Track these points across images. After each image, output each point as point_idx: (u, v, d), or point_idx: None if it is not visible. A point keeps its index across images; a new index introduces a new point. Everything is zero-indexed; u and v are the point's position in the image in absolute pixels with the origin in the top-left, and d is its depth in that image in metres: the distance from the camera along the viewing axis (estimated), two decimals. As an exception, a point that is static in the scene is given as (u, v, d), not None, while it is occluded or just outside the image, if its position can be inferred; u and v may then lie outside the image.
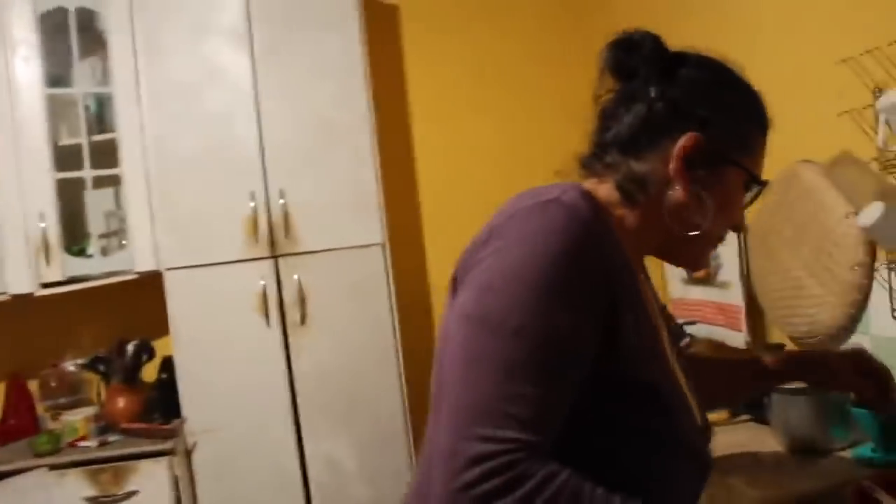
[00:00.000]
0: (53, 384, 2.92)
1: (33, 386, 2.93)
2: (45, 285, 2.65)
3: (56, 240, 2.63)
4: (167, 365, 2.84)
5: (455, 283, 0.91)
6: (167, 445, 2.61)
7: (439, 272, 3.21)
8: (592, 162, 0.98)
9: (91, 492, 2.56)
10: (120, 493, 2.56)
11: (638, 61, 0.95)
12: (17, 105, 2.63)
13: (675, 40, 0.99)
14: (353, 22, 2.70)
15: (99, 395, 2.91)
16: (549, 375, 0.78)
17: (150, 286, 2.81)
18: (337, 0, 2.71)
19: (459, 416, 0.76)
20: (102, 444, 2.66)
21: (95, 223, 2.80)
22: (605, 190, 0.95)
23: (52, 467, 2.58)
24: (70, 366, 2.92)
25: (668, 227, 0.94)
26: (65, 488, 2.56)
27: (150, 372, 2.86)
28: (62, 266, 2.65)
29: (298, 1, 2.70)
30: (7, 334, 2.99)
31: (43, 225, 2.61)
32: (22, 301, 2.68)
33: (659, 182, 0.93)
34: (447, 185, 3.24)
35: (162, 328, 2.88)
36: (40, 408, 2.92)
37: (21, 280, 2.63)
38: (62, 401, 2.91)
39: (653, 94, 0.93)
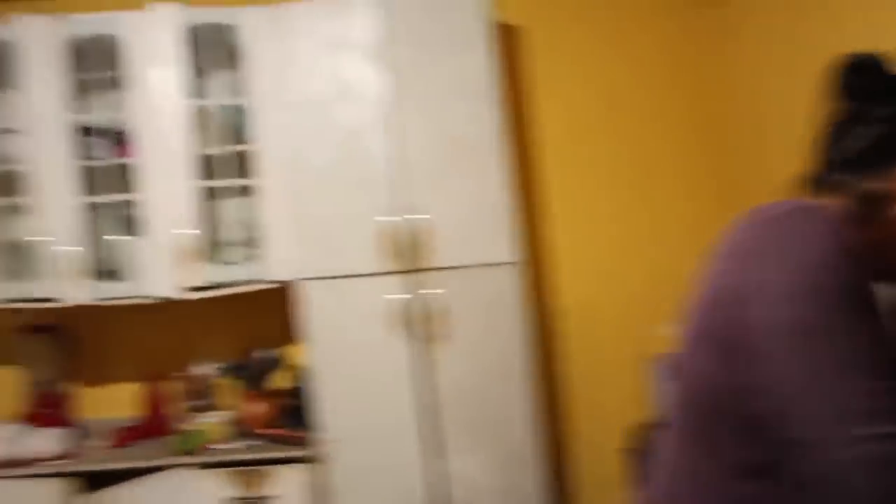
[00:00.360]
0: (187, 387, 3.02)
1: (168, 388, 3.04)
2: (185, 290, 2.74)
3: (196, 247, 2.71)
4: (296, 374, 2.91)
5: (706, 307, 0.95)
6: (301, 452, 2.68)
7: (568, 293, 3.19)
8: (822, 180, 1.01)
9: (230, 492, 2.65)
10: (257, 495, 2.64)
11: (868, 82, 0.97)
12: (161, 116, 2.73)
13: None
14: (485, 42, 2.70)
15: (231, 400, 3.00)
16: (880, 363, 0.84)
17: (278, 296, 2.88)
18: (469, 21, 2.70)
19: (824, 425, 0.81)
20: (240, 448, 2.75)
21: (232, 232, 2.87)
22: (835, 208, 0.97)
23: (193, 466, 2.68)
24: (203, 370, 3.02)
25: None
26: (207, 487, 2.65)
27: (280, 380, 2.93)
28: (201, 272, 2.73)
29: (432, 20, 2.71)
30: (146, 337, 3.11)
31: (184, 232, 2.70)
32: (161, 305, 2.78)
33: (891, 202, 0.94)
34: (576, 205, 3.21)
35: (291, 337, 2.96)
36: (174, 410, 3.03)
37: (162, 284, 2.73)
38: (194, 404, 3.01)
39: (885, 114, 0.95)
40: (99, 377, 3.16)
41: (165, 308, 2.86)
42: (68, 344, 3.11)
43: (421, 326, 2.70)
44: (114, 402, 3.13)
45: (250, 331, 3.04)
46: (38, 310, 2.94)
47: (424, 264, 2.70)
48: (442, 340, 2.69)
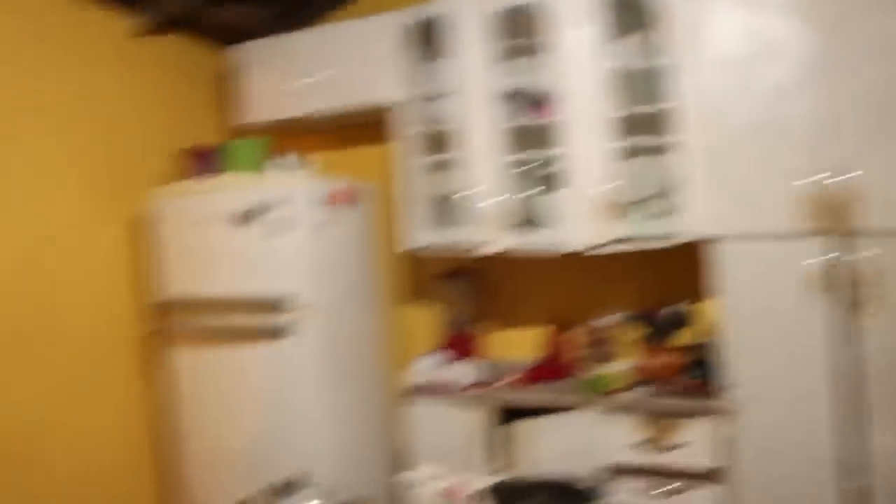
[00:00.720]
0: (589, 336, 3.20)
1: (571, 335, 3.25)
2: (600, 243, 2.90)
3: (612, 202, 2.85)
4: (703, 330, 2.94)
5: None
6: (706, 406, 2.73)
7: None
8: None
9: (637, 438, 2.78)
10: (665, 443, 2.74)
11: None
12: (579, 78, 2.89)
13: None
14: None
15: (633, 351, 3.13)
16: None
17: (690, 253, 2.92)
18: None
19: None
20: (644, 397, 2.86)
21: (647, 189, 2.96)
22: None
23: (599, 409, 2.85)
24: (606, 321, 3.17)
25: None
26: (614, 430, 2.81)
27: (686, 335, 2.99)
28: (617, 227, 2.86)
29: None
30: (553, 286, 3.34)
31: (601, 188, 2.84)
32: (570, 257, 2.97)
33: None
34: None
35: (699, 294, 3.00)
36: (574, 356, 3.23)
37: (579, 237, 2.91)
38: (595, 352, 3.18)
39: None
40: (506, 320, 3.46)
41: (574, 259, 3.05)
42: (481, 289, 3.44)
43: (845, 291, 2.59)
44: (518, 345, 3.42)
45: (657, 285, 3.12)
46: (457, 257, 3.29)
47: (851, 227, 2.57)
48: (871, 307, 2.56)
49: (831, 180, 2.58)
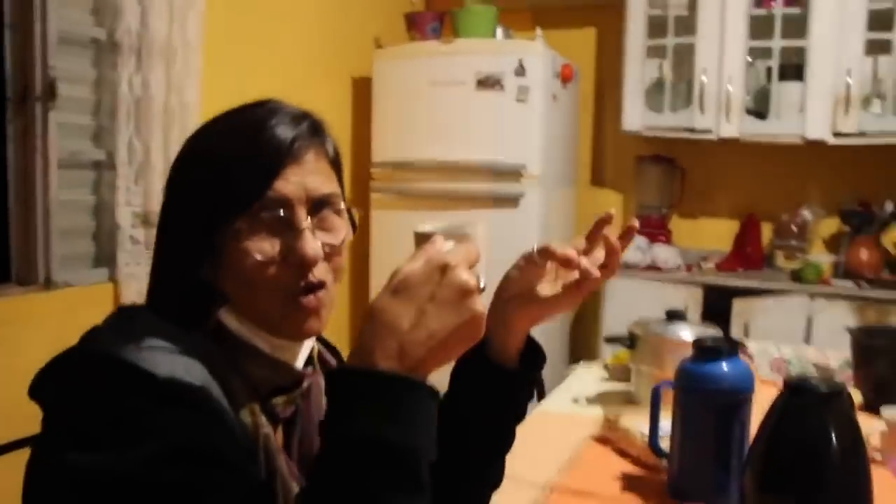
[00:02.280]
0: (790, 227, 3.29)
1: (769, 226, 3.35)
2: (834, 135, 2.97)
3: (852, 96, 2.91)
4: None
5: None
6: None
7: None
8: None
9: (851, 322, 2.91)
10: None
11: None
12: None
13: None
14: None
15: (836, 244, 3.24)
16: None
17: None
18: None
19: None
20: (851, 286, 2.98)
21: (887, 84, 3.01)
22: None
23: (814, 295, 2.98)
24: (806, 215, 3.26)
25: None
26: (827, 314, 2.93)
27: (892, 233, 3.10)
28: (853, 120, 2.93)
29: None
30: (758, 178, 3.41)
31: (849, 80, 2.90)
32: (779, 148, 3.07)
33: None
34: None
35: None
36: (771, 247, 3.34)
37: (814, 127, 2.98)
38: (793, 243, 3.28)
39: None
40: (699, 209, 3.54)
41: (777, 150, 3.15)
42: (676, 176, 3.51)
43: None
44: (708, 234, 3.51)
45: (866, 181, 3.20)
46: (658, 141, 3.35)
47: None
48: None
49: None
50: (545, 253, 0.82)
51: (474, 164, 3.02)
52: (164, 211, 0.81)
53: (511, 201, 3.04)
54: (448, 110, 3.07)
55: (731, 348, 1.13)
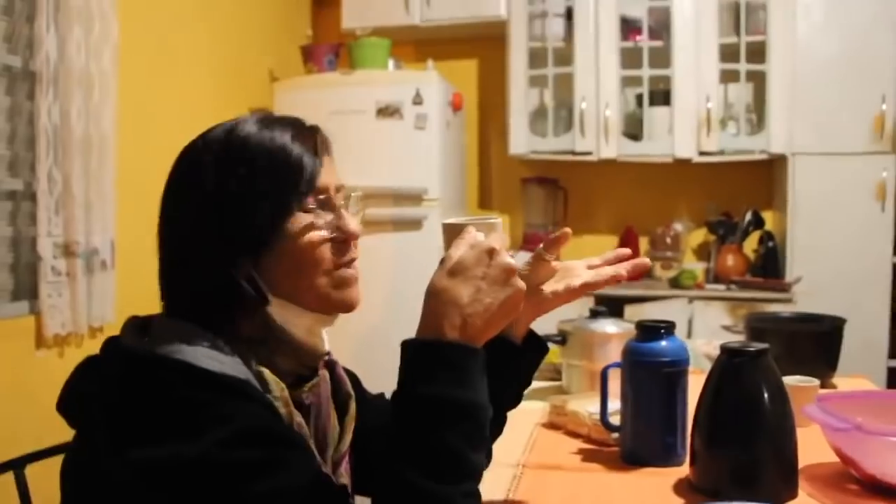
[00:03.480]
0: (665, 239, 3.61)
1: (646, 239, 3.66)
2: (697, 154, 3.32)
3: (711, 119, 3.27)
4: (771, 234, 3.43)
5: None
6: (775, 295, 3.20)
7: None
8: None
9: (727, 321, 3.23)
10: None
11: None
12: (691, 7, 3.28)
13: None
14: None
15: (704, 253, 3.58)
16: None
17: (764, 166, 3.40)
18: None
19: None
20: (722, 289, 3.32)
21: (738, 108, 3.39)
22: None
23: (691, 299, 3.29)
24: (679, 227, 3.59)
25: None
26: (704, 314, 3.24)
27: (755, 238, 3.47)
28: (713, 140, 3.29)
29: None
30: (630, 194, 3.71)
31: (708, 105, 3.25)
32: (652, 167, 3.41)
33: None
34: None
35: (767, 203, 3.48)
36: (650, 258, 3.63)
37: (680, 148, 3.31)
38: (668, 254, 3.60)
39: None
40: (582, 225, 3.81)
41: (650, 169, 3.47)
42: (559, 196, 3.77)
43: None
44: (590, 250, 3.76)
45: (728, 194, 3.57)
46: (541, 163, 3.60)
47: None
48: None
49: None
50: (550, 245, 0.97)
51: (378, 189, 3.13)
52: (185, 219, 0.84)
53: (414, 224, 3.18)
54: (349, 139, 3.18)
55: (667, 328, 1.31)
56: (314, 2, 3.97)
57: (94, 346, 0.93)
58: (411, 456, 0.74)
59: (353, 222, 0.87)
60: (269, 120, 0.87)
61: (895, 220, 3.16)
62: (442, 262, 0.81)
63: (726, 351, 1.15)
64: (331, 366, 0.97)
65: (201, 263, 0.82)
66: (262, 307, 0.83)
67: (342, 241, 0.86)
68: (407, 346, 0.79)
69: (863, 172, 3.18)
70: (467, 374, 0.76)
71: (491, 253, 0.80)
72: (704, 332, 3.08)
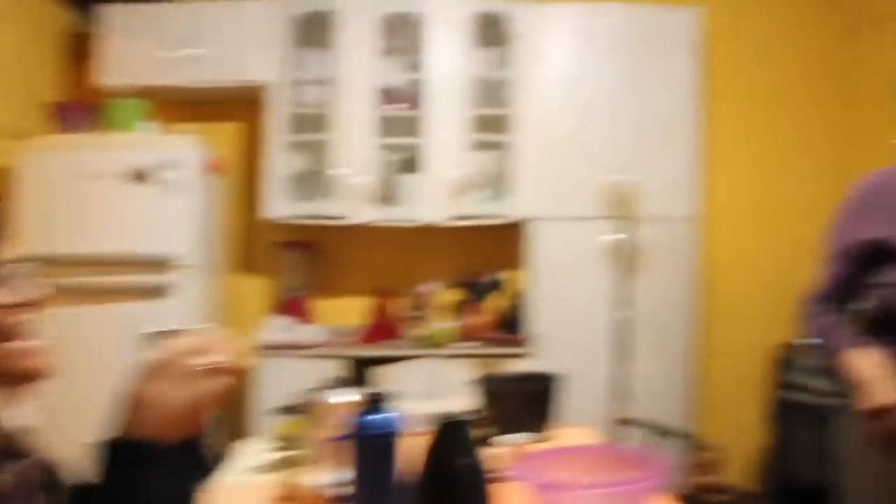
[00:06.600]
0: (414, 301, 3.80)
1: (396, 301, 3.82)
2: (450, 219, 3.56)
3: (462, 185, 3.53)
4: (514, 293, 3.73)
5: None
6: (517, 351, 3.50)
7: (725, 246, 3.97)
8: None
9: (469, 376, 3.45)
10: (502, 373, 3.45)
11: None
12: (444, 80, 3.57)
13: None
14: (688, 51, 3.61)
15: (453, 312, 3.81)
16: None
17: (504, 229, 3.71)
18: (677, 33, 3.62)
19: None
20: (469, 347, 3.55)
21: (486, 176, 3.67)
22: None
23: (440, 357, 3.49)
24: (428, 288, 3.80)
25: None
26: (454, 372, 3.45)
27: (499, 298, 3.75)
28: (464, 205, 3.55)
29: (648, 32, 3.61)
30: (382, 257, 3.87)
31: (454, 173, 3.51)
32: (403, 231, 3.61)
33: None
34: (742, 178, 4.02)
35: (511, 263, 3.79)
36: (399, 319, 3.80)
37: (432, 212, 3.55)
38: (420, 313, 3.79)
39: None
40: (335, 289, 3.90)
41: (401, 233, 3.66)
42: (315, 259, 3.85)
43: (626, 261, 3.57)
44: (346, 312, 3.87)
45: (474, 256, 3.83)
46: (298, 227, 3.68)
47: (631, 214, 3.57)
48: (640, 273, 3.57)
49: (621, 179, 3.55)
50: None
51: (126, 256, 3.05)
52: None
53: (160, 291, 3.10)
54: (98, 203, 3.07)
55: (376, 403, 1.40)
56: (74, 57, 3.78)
57: None
58: None
59: (9, 294, 0.85)
60: None
61: (614, 278, 3.56)
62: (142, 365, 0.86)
63: (436, 423, 1.28)
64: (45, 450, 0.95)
65: None
66: None
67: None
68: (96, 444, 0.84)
69: (590, 235, 3.56)
70: (144, 470, 0.82)
71: (183, 355, 0.86)
72: (451, 389, 3.27)
